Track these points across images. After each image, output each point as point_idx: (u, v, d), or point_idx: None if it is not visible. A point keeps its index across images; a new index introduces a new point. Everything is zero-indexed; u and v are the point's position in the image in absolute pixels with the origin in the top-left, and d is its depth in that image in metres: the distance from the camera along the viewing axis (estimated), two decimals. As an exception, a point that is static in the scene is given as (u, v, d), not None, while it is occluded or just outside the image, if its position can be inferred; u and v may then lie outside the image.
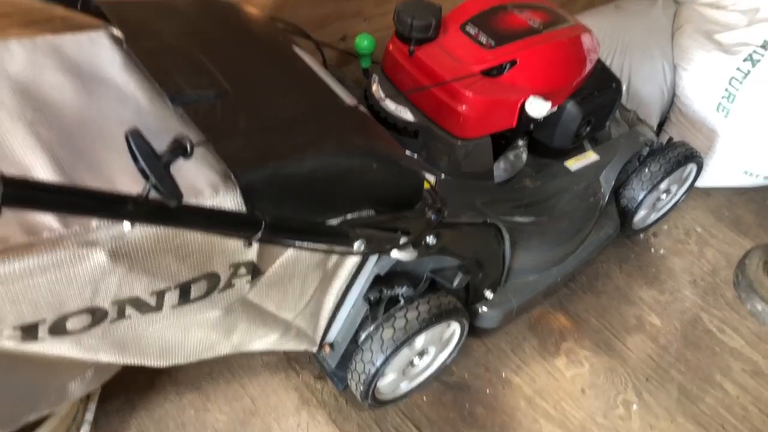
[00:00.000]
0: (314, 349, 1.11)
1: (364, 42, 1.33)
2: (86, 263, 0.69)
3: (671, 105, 1.82)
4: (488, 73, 1.19)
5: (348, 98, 1.00)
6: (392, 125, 1.24)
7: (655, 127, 1.80)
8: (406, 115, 1.22)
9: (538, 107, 1.17)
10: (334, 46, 1.40)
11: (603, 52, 1.82)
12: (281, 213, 0.80)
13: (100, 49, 0.93)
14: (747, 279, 1.51)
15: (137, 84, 0.88)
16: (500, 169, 1.32)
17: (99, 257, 0.69)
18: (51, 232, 0.67)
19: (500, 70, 1.19)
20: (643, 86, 1.78)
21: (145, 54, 0.88)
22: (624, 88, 1.80)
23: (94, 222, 0.68)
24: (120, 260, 0.71)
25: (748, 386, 1.37)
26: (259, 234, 0.72)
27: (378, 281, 1.03)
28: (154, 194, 0.61)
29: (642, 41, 1.84)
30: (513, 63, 1.20)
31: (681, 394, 1.33)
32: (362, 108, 1.01)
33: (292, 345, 1.05)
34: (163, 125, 0.84)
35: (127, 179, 0.74)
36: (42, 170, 0.73)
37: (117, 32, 0.94)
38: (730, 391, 1.35)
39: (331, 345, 1.11)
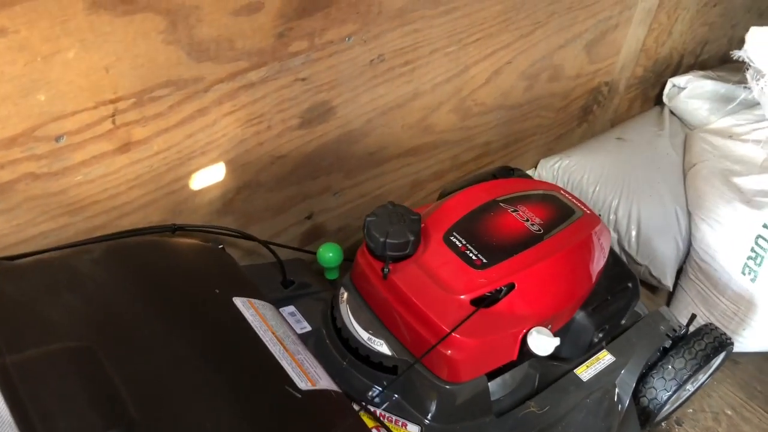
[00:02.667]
0: None
1: (328, 254, 1.10)
2: None
3: (687, 256, 1.60)
4: (480, 301, 0.96)
5: (305, 374, 0.78)
6: (365, 357, 1.01)
7: (670, 287, 1.58)
8: (382, 347, 0.99)
9: (543, 345, 0.95)
10: (288, 245, 1.17)
11: (608, 193, 1.61)
12: None
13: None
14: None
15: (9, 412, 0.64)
16: (498, 389, 1.09)
17: None
18: None
19: (495, 298, 0.97)
20: (655, 236, 1.57)
21: (11, 378, 0.64)
22: (633, 237, 1.59)
23: None
24: None
25: None
26: None
27: None
28: None
29: (650, 182, 1.63)
30: (510, 287, 0.97)
31: None
32: (324, 383, 0.79)
33: None
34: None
35: None
36: None
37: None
38: None
39: None
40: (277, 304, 1.09)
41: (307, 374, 0.80)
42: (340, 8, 1.02)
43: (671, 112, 1.90)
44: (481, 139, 1.52)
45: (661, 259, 1.56)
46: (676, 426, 1.41)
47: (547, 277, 1.01)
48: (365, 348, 1.01)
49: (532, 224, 1.06)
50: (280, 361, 0.79)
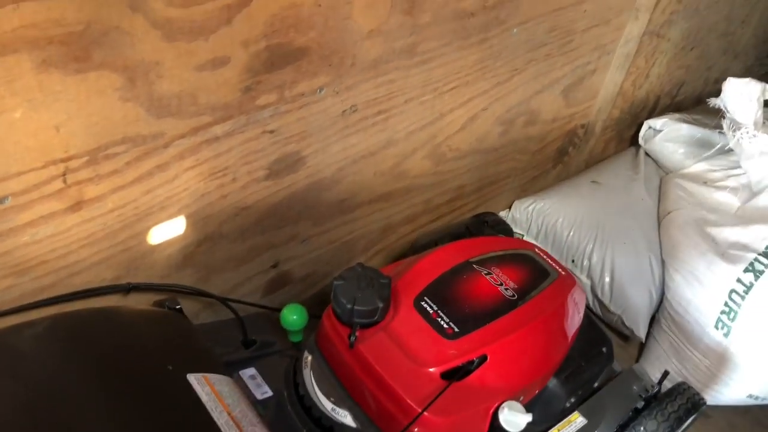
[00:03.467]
0: None
1: (292, 316, 1.05)
2: None
3: (660, 306, 1.58)
4: (451, 374, 0.92)
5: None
6: (328, 428, 0.96)
7: (643, 338, 1.55)
8: (346, 419, 0.94)
9: (515, 421, 0.91)
10: (248, 302, 1.12)
11: (583, 239, 1.59)
12: None
13: None
14: None
15: None
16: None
17: None
18: None
19: (467, 370, 0.93)
20: (628, 285, 1.54)
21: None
22: (606, 284, 1.56)
23: None
24: None
25: None
26: None
27: None
28: None
29: (625, 229, 1.61)
30: (483, 359, 0.93)
31: None
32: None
33: None
34: None
35: None
36: None
37: None
38: None
39: None
40: (237, 365, 1.04)
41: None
42: (311, 61, 0.98)
43: (646, 154, 1.89)
44: (454, 183, 1.48)
45: (635, 309, 1.54)
46: (646, 484, 1.38)
47: (521, 347, 0.97)
48: (328, 419, 0.96)
49: (506, 288, 1.02)
50: (237, 448, 0.73)
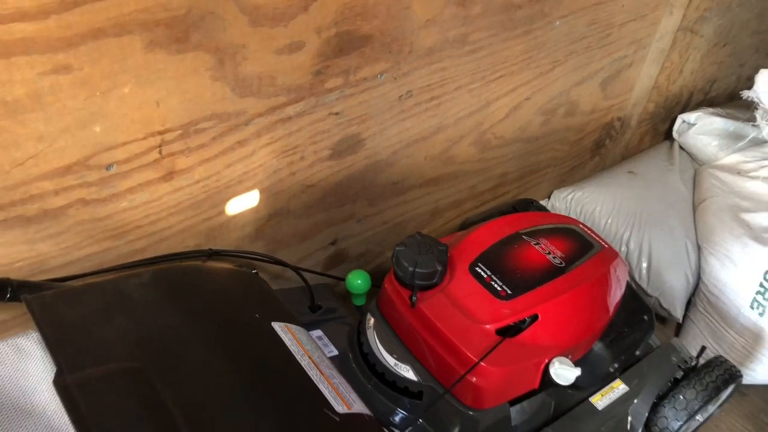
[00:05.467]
0: None
1: (357, 281, 1.15)
2: None
3: (696, 289, 1.64)
4: (505, 331, 1.00)
5: (340, 398, 0.81)
6: (391, 382, 1.04)
7: (680, 319, 1.62)
8: (408, 373, 1.03)
9: (564, 375, 0.98)
10: (315, 271, 1.22)
11: (620, 226, 1.66)
12: None
13: (27, 363, 0.74)
14: None
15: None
16: (517, 416, 1.13)
17: None
18: None
19: (519, 328, 1.01)
20: (665, 269, 1.61)
21: (77, 394, 0.68)
22: (644, 268, 1.63)
23: None
24: None
25: None
26: None
27: None
28: None
29: (662, 216, 1.67)
30: (534, 318, 1.01)
31: None
32: (358, 407, 0.82)
33: None
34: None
35: None
36: None
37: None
38: None
39: None
40: (306, 327, 1.13)
41: (343, 398, 0.84)
42: (374, 48, 1.07)
43: (681, 147, 1.95)
44: (498, 171, 1.57)
45: (671, 291, 1.60)
46: (685, 456, 1.44)
47: (569, 309, 1.05)
48: (391, 373, 1.04)
49: (554, 257, 1.10)
50: (317, 384, 0.82)
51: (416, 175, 1.37)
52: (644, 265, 1.63)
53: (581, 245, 1.15)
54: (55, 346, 0.72)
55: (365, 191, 1.30)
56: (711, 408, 1.39)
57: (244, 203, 1.11)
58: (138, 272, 0.86)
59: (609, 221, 1.69)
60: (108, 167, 0.90)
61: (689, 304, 1.66)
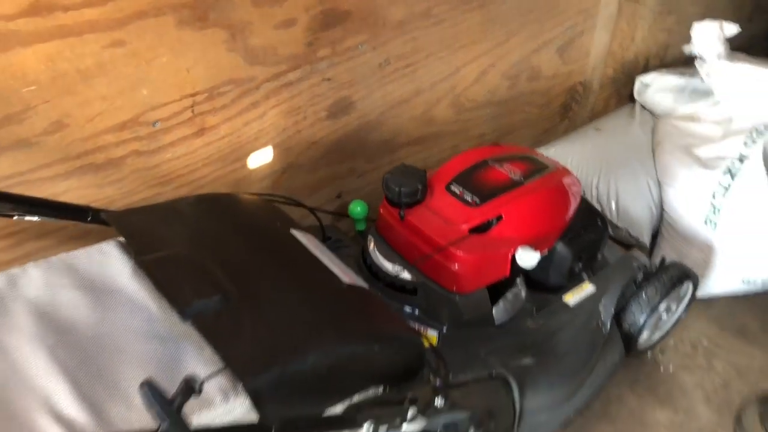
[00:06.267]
0: None
1: (357, 208, 1.40)
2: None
3: (661, 220, 1.87)
4: (476, 230, 1.25)
5: (346, 275, 1.06)
6: (391, 284, 1.29)
7: (648, 244, 1.85)
8: (404, 274, 1.28)
9: (527, 258, 1.23)
10: (327, 210, 1.47)
11: (589, 173, 1.90)
12: (289, 407, 0.84)
13: (110, 261, 0.99)
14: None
15: (147, 292, 0.94)
16: (500, 310, 1.36)
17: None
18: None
19: (487, 226, 1.26)
20: (631, 205, 1.85)
21: (151, 267, 0.94)
22: (613, 206, 1.86)
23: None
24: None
25: (776, 508, 1.35)
26: (269, 443, 0.76)
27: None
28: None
29: (625, 160, 1.91)
30: (499, 218, 1.26)
31: None
32: (359, 282, 1.07)
33: None
34: (175, 331, 0.89)
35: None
36: (62, 398, 0.78)
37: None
38: None
39: None
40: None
41: (348, 275, 1.08)
42: (353, 21, 1.34)
43: (642, 107, 2.20)
44: (476, 131, 1.82)
45: (638, 221, 1.83)
46: (660, 354, 1.66)
47: (528, 210, 1.29)
48: (391, 277, 1.29)
49: (514, 174, 1.35)
50: (328, 265, 1.07)
51: (404, 134, 1.63)
52: (613, 204, 1.87)
53: (537, 166, 1.39)
54: (130, 239, 0.98)
55: (361, 149, 1.56)
56: (674, 307, 1.61)
57: (261, 158, 1.37)
58: (185, 197, 1.13)
59: (579, 172, 1.93)
60: (154, 124, 1.17)
61: (657, 235, 1.89)
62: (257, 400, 0.81)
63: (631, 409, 1.54)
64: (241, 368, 0.82)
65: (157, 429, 0.66)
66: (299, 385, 0.88)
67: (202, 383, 0.67)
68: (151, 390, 0.65)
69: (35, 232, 1.12)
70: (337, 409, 0.92)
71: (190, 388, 0.66)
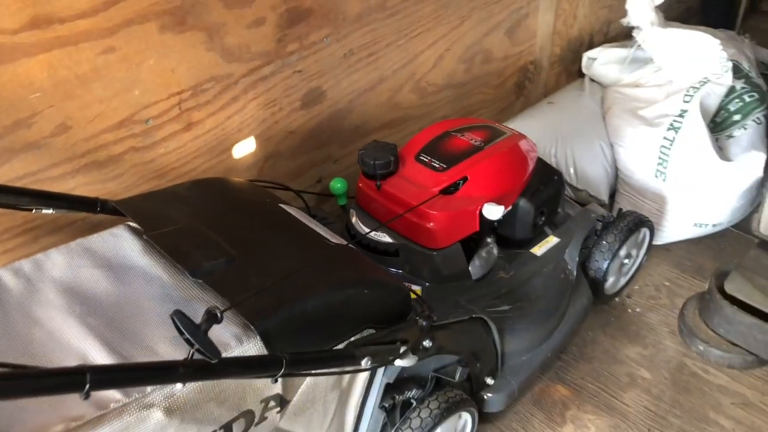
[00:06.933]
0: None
1: (337, 184, 1.54)
2: (147, 423, 0.84)
3: (617, 178, 2.03)
4: (446, 191, 1.39)
5: (333, 238, 1.19)
6: (374, 249, 1.42)
7: (606, 201, 2.00)
8: (385, 239, 1.41)
9: (493, 212, 1.37)
10: (311, 191, 1.60)
11: (546, 143, 2.05)
12: (296, 348, 0.97)
13: (122, 242, 1.11)
14: (687, 326, 1.67)
15: (158, 264, 1.06)
16: (476, 267, 1.50)
17: (157, 416, 0.85)
18: (117, 403, 0.82)
19: (455, 187, 1.40)
20: (588, 167, 2.00)
21: (161, 239, 1.06)
22: (572, 171, 2.02)
23: (149, 387, 0.84)
24: (173, 415, 0.86)
25: (740, 418, 1.50)
26: (282, 370, 0.88)
27: (389, 389, 1.18)
28: (197, 355, 0.78)
29: (578, 128, 2.07)
30: (465, 179, 1.40)
31: (681, 437, 1.47)
32: (345, 243, 1.20)
33: (323, 462, 1.19)
34: (186, 294, 1.01)
35: (165, 346, 0.91)
36: (97, 354, 0.90)
37: (134, 224, 1.13)
38: (725, 425, 1.48)
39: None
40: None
41: (335, 238, 1.22)
42: (316, 17, 1.48)
43: (591, 79, 2.36)
44: (439, 114, 1.97)
45: (595, 182, 1.99)
46: (627, 299, 1.81)
47: (490, 170, 1.44)
48: (374, 242, 1.43)
49: (475, 141, 1.49)
50: (315, 229, 1.20)
51: (373, 119, 1.76)
52: (572, 169, 2.02)
53: (495, 133, 1.54)
54: (139, 220, 1.11)
55: (335, 136, 1.69)
56: (635, 252, 1.77)
57: (245, 148, 1.50)
58: (182, 183, 1.25)
59: (538, 142, 2.08)
60: (147, 121, 1.29)
61: (616, 193, 2.05)
62: (267, 340, 0.94)
63: (605, 349, 1.68)
64: (251, 314, 0.95)
65: (189, 355, 0.79)
66: (303, 327, 1.01)
67: (222, 312, 0.79)
68: (180, 318, 0.77)
69: (49, 228, 1.23)
70: (339, 347, 1.05)
71: (213, 315, 0.79)
